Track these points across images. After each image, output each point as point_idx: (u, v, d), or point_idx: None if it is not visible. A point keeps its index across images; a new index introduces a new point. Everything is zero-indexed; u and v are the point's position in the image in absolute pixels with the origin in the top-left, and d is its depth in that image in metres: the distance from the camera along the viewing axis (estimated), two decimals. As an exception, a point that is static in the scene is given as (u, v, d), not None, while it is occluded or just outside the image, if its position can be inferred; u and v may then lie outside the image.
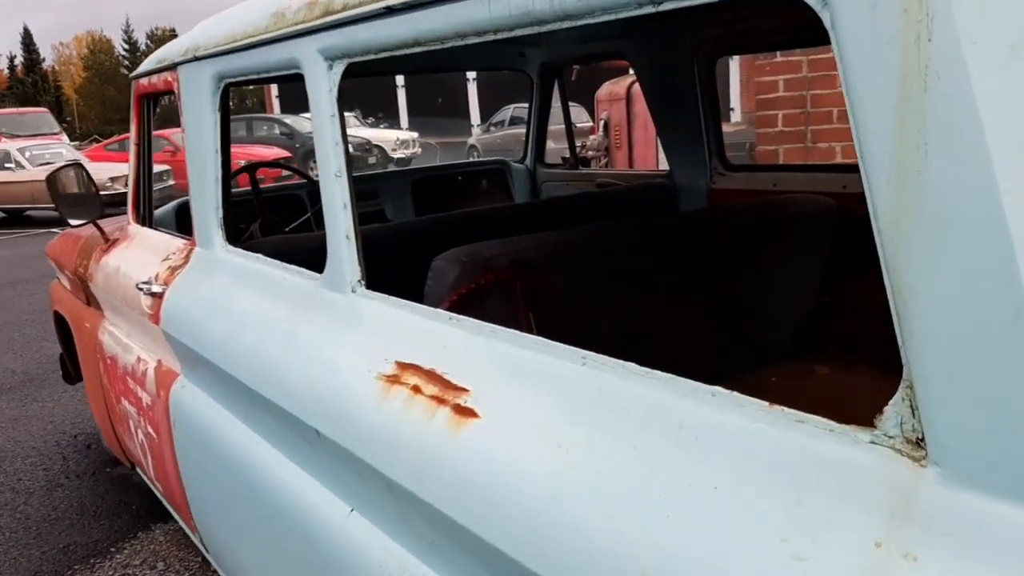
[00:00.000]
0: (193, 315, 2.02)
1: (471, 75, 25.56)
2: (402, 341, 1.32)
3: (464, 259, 1.76)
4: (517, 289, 1.79)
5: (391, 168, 17.04)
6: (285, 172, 15.77)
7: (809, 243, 2.30)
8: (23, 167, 13.84)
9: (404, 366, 1.27)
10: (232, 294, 1.91)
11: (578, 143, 3.99)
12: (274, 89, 27.71)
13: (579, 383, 1.01)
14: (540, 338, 1.11)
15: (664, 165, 3.34)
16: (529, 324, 1.80)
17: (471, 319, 1.23)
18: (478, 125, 24.44)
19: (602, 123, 6.33)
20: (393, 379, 1.26)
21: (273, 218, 3.26)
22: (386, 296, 1.42)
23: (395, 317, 1.37)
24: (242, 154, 15.35)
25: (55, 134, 22.66)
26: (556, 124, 3.94)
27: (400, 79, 25.39)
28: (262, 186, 3.56)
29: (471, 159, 12.51)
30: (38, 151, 14.90)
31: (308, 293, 1.62)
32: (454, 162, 4.13)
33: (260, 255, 1.90)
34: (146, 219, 2.77)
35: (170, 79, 2.32)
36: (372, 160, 17.61)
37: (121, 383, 2.69)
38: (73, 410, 4.28)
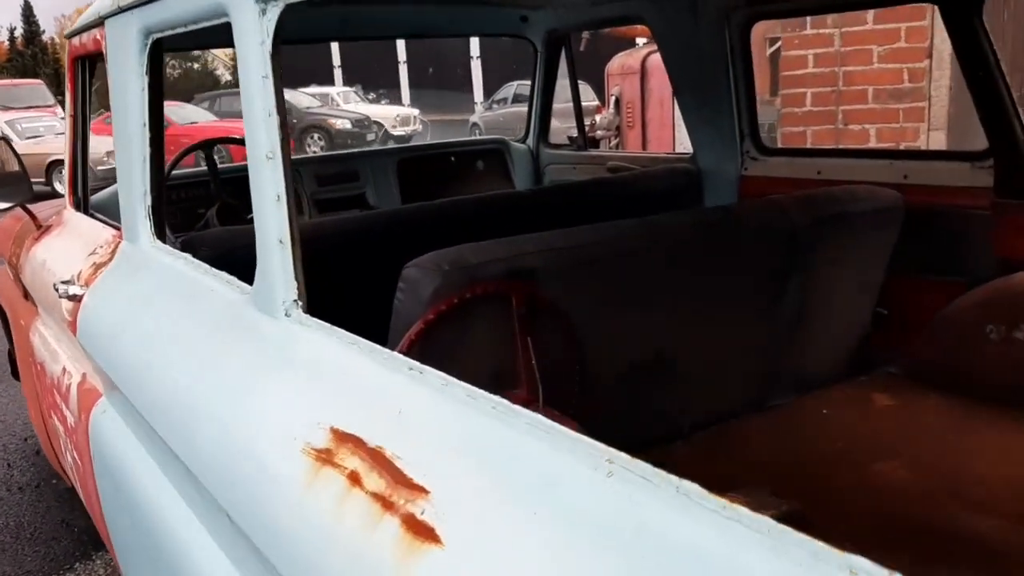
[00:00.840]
0: (108, 328, 1.63)
1: (475, 51, 25.06)
2: (342, 396, 0.93)
3: (445, 266, 1.36)
4: (512, 306, 1.39)
5: (390, 146, 16.64)
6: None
7: (870, 245, 1.90)
8: (12, 140, 13.41)
9: (342, 437, 0.87)
10: (151, 304, 1.51)
11: (586, 122, 3.58)
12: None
13: (604, 510, 0.62)
14: (543, 419, 0.72)
15: (682, 148, 2.93)
16: (527, 352, 1.40)
17: (441, 375, 0.84)
18: (481, 103, 24.01)
19: (613, 99, 5.87)
20: (325, 457, 0.87)
21: (232, 203, 2.86)
22: (329, 327, 1.03)
23: (336, 359, 0.98)
24: (235, 129, 14.91)
25: (49, 107, 22.19)
26: (561, 103, 3.52)
27: (402, 54, 24.92)
28: (231, 165, 3.16)
29: (472, 137, 12.01)
30: (29, 124, 14.47)
31: (233, 312, 1.22)
32: (446, 140, 3.71)
33: (188, 256, 1.50)
34: (82, 203, 2.36)
35: (98, 37, 1.91)
36: (371, 137, 17.18)
37: (49, 395, 2.30)
38: (27, 410, 3.89)
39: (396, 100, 23.80)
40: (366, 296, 1.50)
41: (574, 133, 3.40)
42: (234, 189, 2.99)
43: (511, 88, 18.49)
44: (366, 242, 1.96)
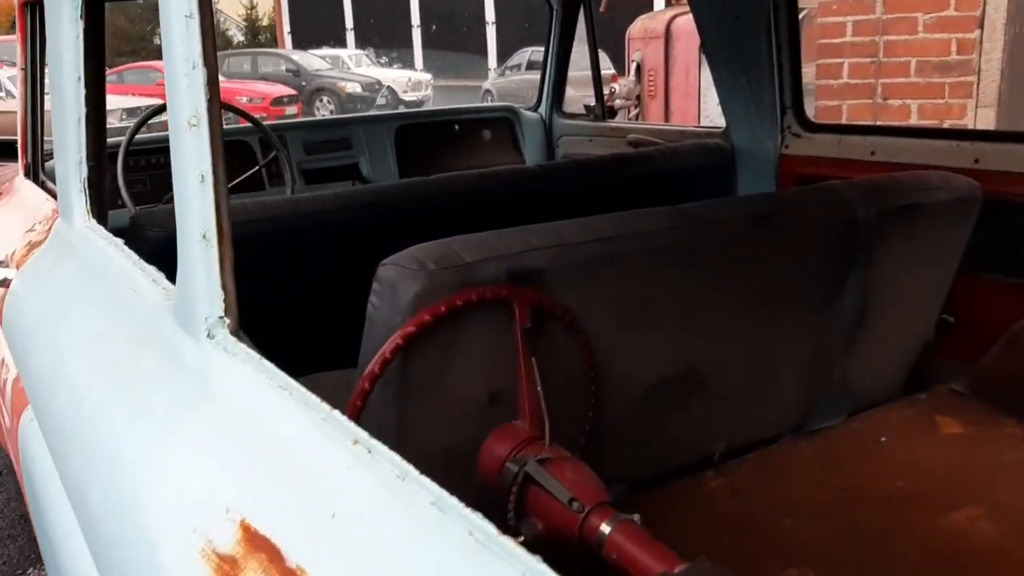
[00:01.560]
0: (25, 326, 1.36)
1: (490, 17, 24.59)
2: (263, 474, 0.66)
3: (430, 264, 1.08)
4: (515, 317, 1.11)
5: (387, 111, 16.29)
6: (289, 110, 15.06)
7: (942, 242, 1.60)
8: (13, 96, 13.14)
9: (254, 541, 0.60)
10: (73, 301, 1.24)
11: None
12: (286, 24, 26.84)
13: None
14: (544, 569, 0.44)
15: (707, 121, 2.62)
16: (531, 375, 1.12)
17: (398, 462, 0.56)
18: (494, 69, 23.63)
19: (634, 65, 5.48)
20: (228, 570, 0.59)
21: None
22: (258, 360, 0.75)
23: (260, 412, 0.70)
24: (243, 90, 14.62)
25: (57, 63, 21.90)
26: (575, 71, 3.20)
27: (416, 17, 24.47)
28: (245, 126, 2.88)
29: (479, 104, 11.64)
30: (31, 80, 14.16)
31: (152, 324, 0.95)
32: (449, 107, 3.41)
33: (120, 242, 1.22)
34: (31, 169, 2.09)
35: None
36: (381, 101, 16.84)
37: (-8, 387, 2.04)
38: None
39: (408, 64, 23.45)
40: (339, 298, 1.23)
41: (591, 102, 3.09)
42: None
43: (525, 54, 18.08)
44: (343, 227, 1.68)
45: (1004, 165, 1.83)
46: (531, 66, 17.33)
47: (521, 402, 1.11)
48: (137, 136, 2.52)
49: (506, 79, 18.35)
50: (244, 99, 14.46)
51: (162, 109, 2.55)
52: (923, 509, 1.34)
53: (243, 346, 0.78)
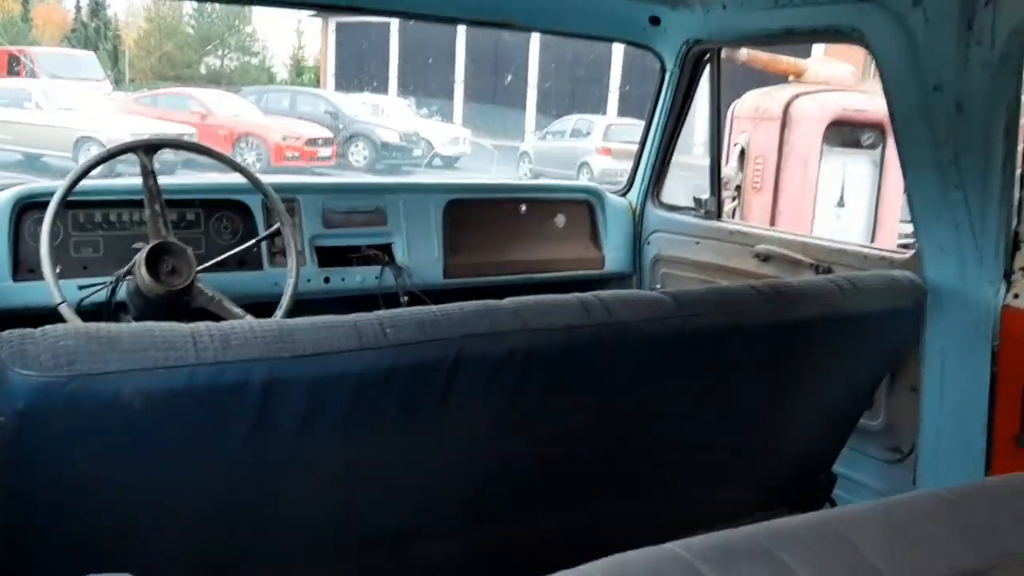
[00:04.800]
0: None
1: (532, 79, 24.47)
2: None
3: None
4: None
5: (435, 166, 15.81)
6: (322, 152, 14.62)
7: None
8: (42, 108, 12.77)
9: None
10: None
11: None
12: (330, 67, 26.90)
13: None
14: None
15: (823, 230, 1.93)
16: None
17: None
18: (532, 132, 23.40)
19: (737, 150, 4.74)
20: None
21: (173, 245, 1.88)
22: None
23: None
24: (278, 127, 14.25)
25: (98, 80, 21.85)
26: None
27: (460, 73, 24.40)
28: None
29: (521, 168, 11.02)
30: (66, 94, 13.85)
31: None
32: (515, 182, 2.75)
33: None
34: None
35: None
36: (417, 152, 16.47)
37: None
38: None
39: (448, 118, 23.29)
40: None
41: (705, 193, 2.40)
42: (186, 217, 2.06)
43: (570, 121, 17.75)
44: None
45: None
46: (575, 134, 16.96)
47: None
48: (92, 184, 1.87)
49: (547, 143, 17.96)
50: (278, 136, 14.04)
51: (123, 152, 1.89)
52: None
53: None
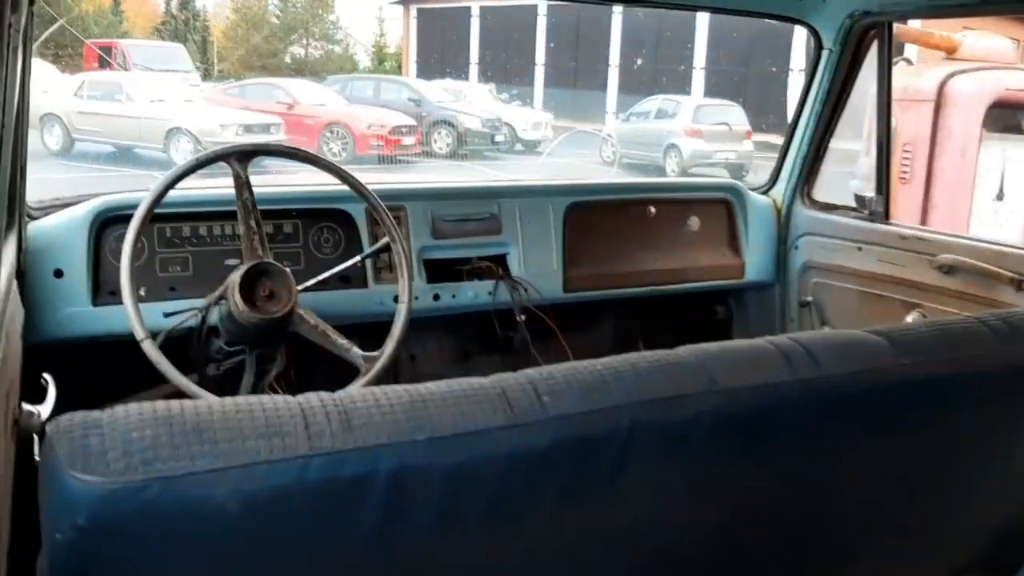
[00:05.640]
0: None
1: (614, 59, 24.09)
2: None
3: None
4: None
5: (518, 152, 15.63)
6: (406, 140, 14.61)
7: None
8: (133, 100, 13.10)
9: None
10: None
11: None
12: (412, 53, 27.06)
13: None
14: None
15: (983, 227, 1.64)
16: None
17: None
18: (613, 113, 23.07)
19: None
20: None
21: (271, 266, 1.70)
22: None
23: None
24: (363, 116, 14.29)
25: (187, 72, 22.40)
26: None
27: (540, 56, 24.23)
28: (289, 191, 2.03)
29: (604, 151, 10.73)
30: (156, 86, 14.19)
31: None
32: (643, 181, 2.53)
33: None
34: None
35: None
36: (499, 138, 16.40)
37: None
38: None
39: (528, 102, 23.21)
40: None
41: (864, 190, 2.12)
42: (284, 229, 1.89)
43: (655, 101, 17.35)
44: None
45: None
46: (660, 115, 16.56)
47: None
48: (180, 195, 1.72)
49: (631, 125, 17.60)
50: (364, 125, 14.08)
51: (213, 160, 1.71)
52: None
53: None
